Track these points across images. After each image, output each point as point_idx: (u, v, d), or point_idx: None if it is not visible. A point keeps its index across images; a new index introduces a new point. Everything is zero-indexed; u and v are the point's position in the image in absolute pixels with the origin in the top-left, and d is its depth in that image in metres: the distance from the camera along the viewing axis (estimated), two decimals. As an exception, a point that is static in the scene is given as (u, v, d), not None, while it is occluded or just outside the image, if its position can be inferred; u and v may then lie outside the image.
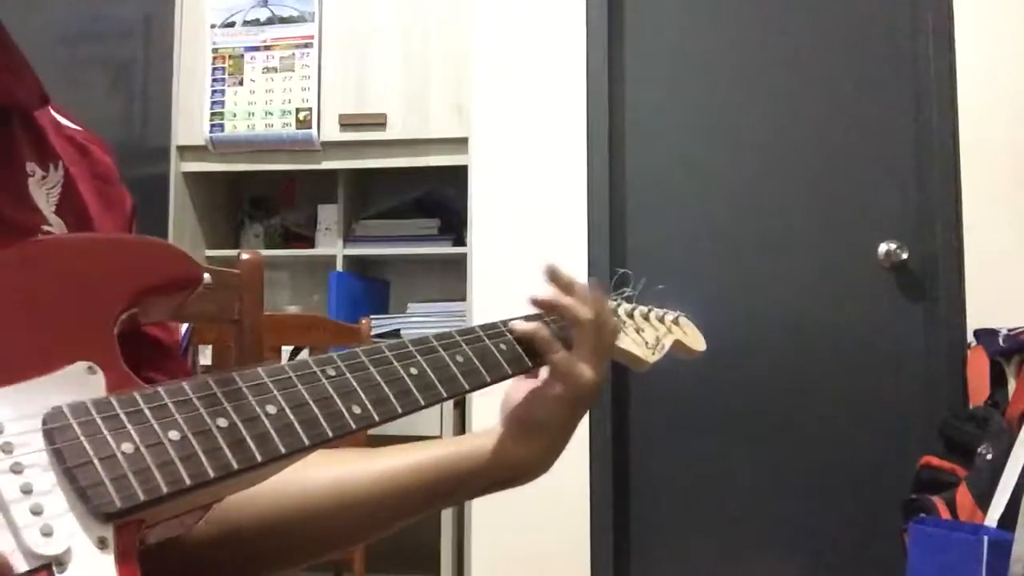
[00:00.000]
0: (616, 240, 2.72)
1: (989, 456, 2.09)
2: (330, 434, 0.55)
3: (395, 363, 0.62)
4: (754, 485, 2.64)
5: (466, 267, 2.81)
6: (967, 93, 2.56)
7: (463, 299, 2.86)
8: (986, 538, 1.91)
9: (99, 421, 0.45)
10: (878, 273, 2.61)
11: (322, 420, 0.55)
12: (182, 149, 3.14)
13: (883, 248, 2.59)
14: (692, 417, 2.68)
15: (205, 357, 2.05)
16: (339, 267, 3.15)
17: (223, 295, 1.11)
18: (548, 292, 0.76)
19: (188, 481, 0.46)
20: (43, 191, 0.60)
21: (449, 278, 3.18)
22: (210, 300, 1.11)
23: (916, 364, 2.57)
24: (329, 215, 3.27)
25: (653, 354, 0.86)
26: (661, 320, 0.91)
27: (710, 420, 2.67)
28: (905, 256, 2.57)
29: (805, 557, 2.61)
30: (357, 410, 0.57)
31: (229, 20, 3.14)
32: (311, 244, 3.31)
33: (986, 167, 2.53)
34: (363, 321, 2.54)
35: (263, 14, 3.13)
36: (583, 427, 2.76)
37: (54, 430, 0.45)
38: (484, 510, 2.61)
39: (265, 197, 3.48)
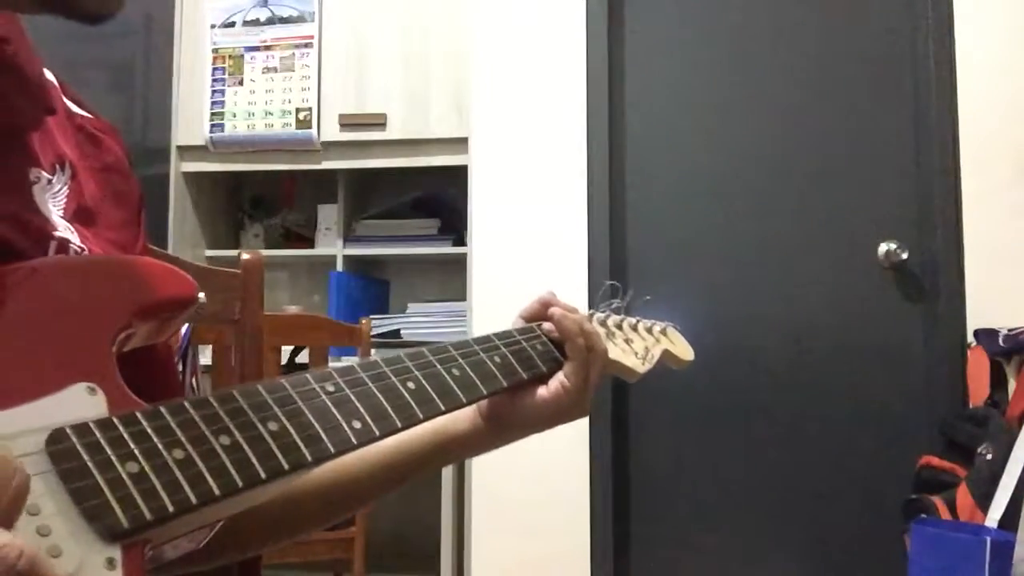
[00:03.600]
0: (616, 239, 2.72)
1: (989, 456, 2.09)
2: (332, 450, 0.55)
3: (393, 378, 0.62)
4: (754, 485, 2.64)
5: (466, 267, 2.81)
6: (967, 93, 2.56)
7: (463, 299, 2.86)
8: (988, 539, 1.91)
9: (103, 441, 0.45)
10: (878, 273, 2.61)
11: (323, 436, 0.55)
12: (182, 149, 3.14)
13: (883, 248, 2.59)
14: (692, 417, 2.68)
15: (205, 357, 2.05)
16: (339, 267, 3.15)
17: (223, 295, 1.11)
18: (533, 309, 0.79)
19: (194, 500, 0.46)
20: (48, 196, 0.59)
21: (449, 278, 3.18)
22: (210, 300, 1.11)
23: (916, 364, 2.57)
24: (329, 215, 3.27)
25: (643, 364, 0.88)
26: (649, 331, 0.93)
27: (710, 420, 2.67)
28: (905, 256, 2.57)
29: (806, 557, 2.61)
30: (357, 425, 0.57)
31: (229, 20, 3.14)
32: (311, 244, 3.31)
33: (986, 166, 2.53)
34: (363, 321, 2.54)
35: (263, 14, 3.13)
36: (583, 427, 2.72)
37: (58, 451, 0.44)
38: (484, 510, 2.60)
39: (265, 197, 3.48)
